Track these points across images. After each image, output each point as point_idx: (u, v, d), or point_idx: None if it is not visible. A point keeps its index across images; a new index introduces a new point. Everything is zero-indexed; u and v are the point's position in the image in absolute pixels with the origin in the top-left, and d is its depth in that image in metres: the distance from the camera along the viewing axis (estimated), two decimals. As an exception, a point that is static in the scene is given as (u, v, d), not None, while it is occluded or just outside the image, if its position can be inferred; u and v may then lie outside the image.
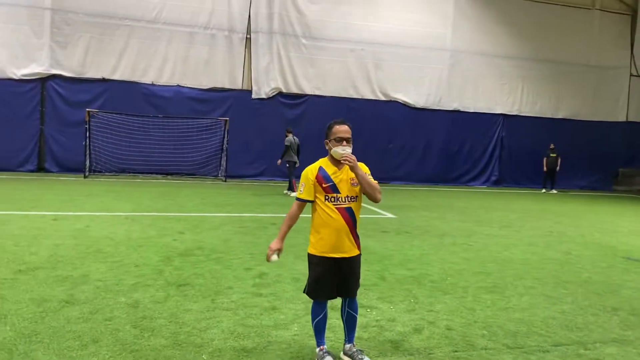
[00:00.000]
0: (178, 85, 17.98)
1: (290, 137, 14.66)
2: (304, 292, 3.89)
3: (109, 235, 7.78)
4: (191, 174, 18.10)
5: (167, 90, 17.89)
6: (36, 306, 4.59)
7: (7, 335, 3.95)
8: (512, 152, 21.77)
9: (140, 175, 17.38)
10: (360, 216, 3.82)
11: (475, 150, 21.38)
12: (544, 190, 20.60)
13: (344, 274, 3.72)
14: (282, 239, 3.80)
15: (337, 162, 3.67)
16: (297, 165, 14.58)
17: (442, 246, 8.29)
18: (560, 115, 22.21)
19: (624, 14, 22.63)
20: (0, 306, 4.55)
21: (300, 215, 3.82)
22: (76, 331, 4.09)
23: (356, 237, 3.76)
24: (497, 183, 21.64)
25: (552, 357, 4.13)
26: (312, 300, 3.86)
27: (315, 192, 3.68)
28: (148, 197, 12.40)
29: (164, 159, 17.68)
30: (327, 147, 3.74)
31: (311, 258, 3.83)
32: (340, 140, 3.62)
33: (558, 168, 20.37)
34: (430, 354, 4.08)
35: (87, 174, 16.30)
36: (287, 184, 14.85)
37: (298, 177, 15.70)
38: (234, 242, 7.71)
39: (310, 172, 3.71)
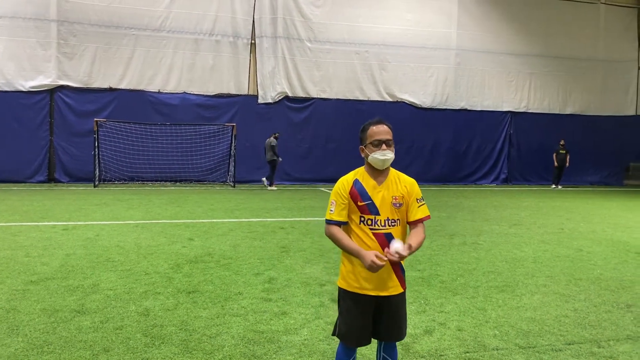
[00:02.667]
0: (184, 93, 18.06)
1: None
2: (332, 334, 3.14)
3: (119, 243, 7.83)
4: (200, 181, 18.16)
5: (173, 97, 17.98)
6: (47, 316, 4.62)
7: (19, 346, 3.98)
8: (520, 149, 21.65)
9: (149, 183, 17.48)
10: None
11: (483, 149, 21.28)
12: (554, 187, 20.47)
13: (384, 316, 2.99)
14: (359, 248, 2.86)
15: (377, 173, 2.99)
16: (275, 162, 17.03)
17: (451, 246, 8.25)
18: (568, 111, 22.05)
19: (630, 7, 22.45)
20: (12, 317, 4.58)
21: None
22: (87, 341, 4.11)
23: (400, 271, 3.01)
24: (506, 181, 21.52)
25: (565, 356, 4.09)
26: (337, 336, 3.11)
27: (349, 211, 2.97)
28: (157, 204, 12.46)
29: (173, 166, 17.77)
30: (362, 155, 3.06)
31: (342, 293, 3.06)
32: (378, 144, 2.94)
33: (567, 164, 20.26)
34: (441, 355, 4.05)
35: (96, 183, 16.41)
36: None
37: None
38: (243, 248, 7.72)
39: (342, 185, 2.99)
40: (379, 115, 15.53)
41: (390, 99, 19.94)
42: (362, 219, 2.94)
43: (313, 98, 19.20)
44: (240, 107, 18.52)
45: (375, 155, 2.93)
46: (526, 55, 21.32)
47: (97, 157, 16.59)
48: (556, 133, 21.07)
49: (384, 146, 2.93)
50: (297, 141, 19.04)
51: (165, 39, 17.76)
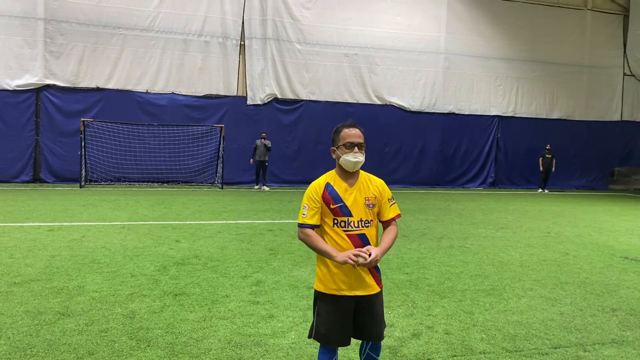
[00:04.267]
0: (173, 93, 17.95)
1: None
2: (309, 336, 3.12)
3: (105, 245, 7.74)
4: (187, 182, 18.05)
5: (161, 98, 17.87)
6: (31, 319, 4.55)
7: (2, 349, 3.91)
8: (508, 153, 21.81)
9: (136, 184, 17.34)
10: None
11: (471, 152, 21.40)
12: (540, 191, 20.65)
13: (362, 316, 3.02)
14: (331, 249, 2.92)
15: (348, 175, 3.03)
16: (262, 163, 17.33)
17: (439, 249, 8.27)
18: (555, 116, 22.26)
19: (616, 13, 22.73)
20: (-6, 320, 4.51)
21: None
22: (71, 344, 4.06)
23: (375, 271, 3.05)
24: (493, 184, 21.66)
25: (551, 359, 4.11)
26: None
27: (322, 214, 3.00)
28: (144, 205, 12.36)
29: (160, 167, 17.64)
30: (334, 156, 3.09)
31: (318, 296, 3.07)
32: (351, 147, 2.97)
33: (553, 169, 20.46)
34: (429, 359, 4.05)
35: (82, 183, 16.24)
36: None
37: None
38: (230, 250, 7.68)
39: (314, 190, 3.01)
40: (368, 118, 15.52)
41: (379, 102, 19.99)
42: (336, 221, 2.98)
43: (302, 100, 19.19)
44: (229, 108, 18.46)
45: (347, 158, 2.97)
46: (514, 60, 21.50)
47: (83, 157, 16.42)
48: (543, 137, 21.26)
49: (356, 149, 2.97)
50: (285, 143, 19.02)
51: (153, 39, 17.65)
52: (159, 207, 12.12)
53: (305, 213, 2.99)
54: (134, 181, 17.44)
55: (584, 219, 12.78)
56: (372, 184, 3.08)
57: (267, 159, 17.29)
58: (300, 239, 3.03)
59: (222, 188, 17.27)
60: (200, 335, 4.32)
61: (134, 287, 5.65)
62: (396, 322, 4.80)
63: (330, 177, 3.08)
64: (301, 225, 2.99)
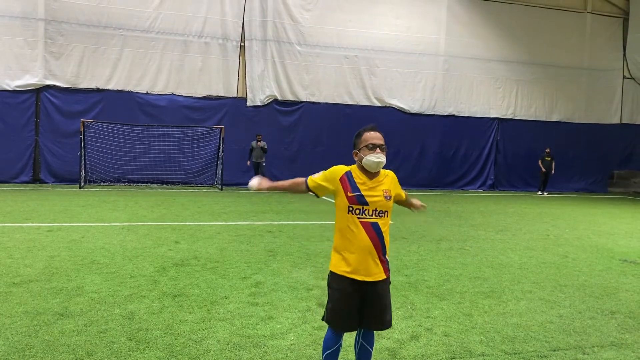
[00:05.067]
0: (173, 94, 17.95)
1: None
2: (322, 319, 3.38)
3: (105, 246, 7.74)
4: (187, 183, 18.04)
5: (161, 99, 17.87)
6: (30, 319, 4.55)
7: (0, 349, 3.91)
8: (507, 155, 21.81)
9: (136, 185, 17.33)
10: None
11: (470, 155, 21.41)
12: (539, 193, 20.66)
13: (369, 301, 3.19)
14: (272, 185, 3.48)
15: (368, 174, 3.22)
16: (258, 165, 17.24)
17: (438, 251, 8.27)
18: (554, 118, 22.27)
19: (615, 16, 22.75)
20: (-7, 320, 4.51)
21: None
22: (70, 344, 4.05)
23: (383, 260, 3.23)
24: (493, 187, 21.66)
25: (550, 362, 4.11)
26: (326, 326, 3.37)
27: (335, 193, 3.24)
28: (143, 206, 12.36)
29: (160, 168, 17.63)
30: (356, 158, 3.27)
31: (331, 278, 3.28)
32: (373, 148, 3.15)
33: (553, 171, 20.48)
34: (427, 361, 4.05)
35: (82, 184, 16.23)
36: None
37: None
38: (229, 251, 7.68)
39: (335, 171, 3.27)
40: (368, 120, 15.59)
41: (378, 104, 20.00)
42: (351, 208, 3.15)
43: (302, 102, 19.20)
44: (228, 109, 18.46)
45: (370, 158, 3.14)
46: (513, 62, 21.52)
47: (83, 158, 16.42)
48: (542, 140, 21.27)
49: (378, 150, 3.15)
50: (285, 145, 19.02)
51: (154, 40, 17.65)
52: (159, 208, 12.12)
53: (317, 175, 3.30)
54: (134, 182, 17.43)
55: (583, 221, 12.79)
56: (387, 178, 3.31)
57: (264, 160, 17.23)
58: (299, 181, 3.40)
59: (221, 189, 17.28)
60: (199, 337, 4.32)
61: (133, 288, 5.65)
62: (395, 323, 4.80)
63: (351, 167, 3.29)
64: (306, 182, 3.33)
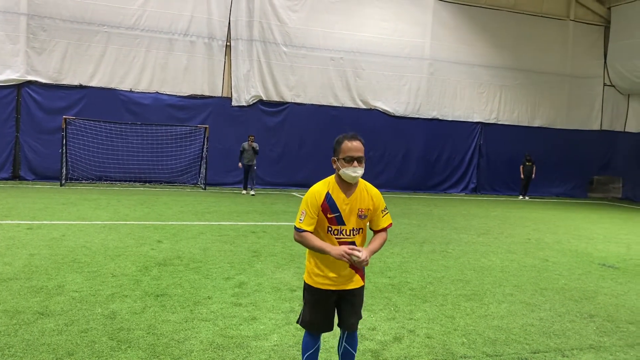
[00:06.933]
0: (157, 93, 17.80)
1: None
2: (297, 322, 3.45)
3: (86, 244, 7.65)
4: (170, 182, 17.90)
5: (145, 97, 17.70)
6: (9, 318, 4.48)
7: (-21, 349, 3.84)
8: (490, 159, 22.02)
9: (118, 183, 17.15)
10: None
11: (453, 158, 21.58)
12: (521, 197, 20.91)
13: (344, 305, 3.28)
14: (329, 246, 3.09)
15: (347, 186, 3.19)
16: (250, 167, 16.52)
17: (421, 253, 8.33)
18: (536, 124, 22.56)
19: (597, 25, 23.13)
20: (-29, 319, 4.43)
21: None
22: (51, 344, 4.00)
23: (359, 269, 3.28)
24: (475, 190, 21.85)
25: (531, 364, 4.17)
26: (303, 329, 3.46)
27: (318, 220, 3.17)
28: (126, 205, 12.23)
29: (143, 167, 17.46)
30: (334, 166, 3.22)
31: (307, 287, 3.31)
32: (350, 160, 3.10)
33: (533, 176, 20.75)
34: (410, 362, 4.08)
35: (63, 182, 16.00)
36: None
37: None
38: (213, 251, 7.64)
39: (315, 199, 3.15)
40: (353, 122, 15.53)
41: (363, 106, 20.06)
42: (330, 229, 3.18)
43: (287, 102, 19.18)
44: (213, 109, 18.36)
45: (347, 172, 3.12)
46: (497, 67, 21.75)
47: (64, 155, 16.20)
48: (524, 145, 21.52)
49: (355, 163, 3.11)
50: (270, 145, 18.97)
51: (138, 38, 17.48)
52: (141, 207, 12.01)
53: (302, 219, 3.14)
54: (116, 180, 17.25)
55: (563, 226, 12.97)
56: (369, 195, 3.28)
57: (255, 163, 16.58)
58: (296, 240, 3.20)
59: (205, 189, 17.18)
60: (182, 337, 4.30)
61: (115, 287, 5.59)
62: (378, 325, 4.82)
63: (330, 185, 3.21)
64: (298, 229, 3.16)
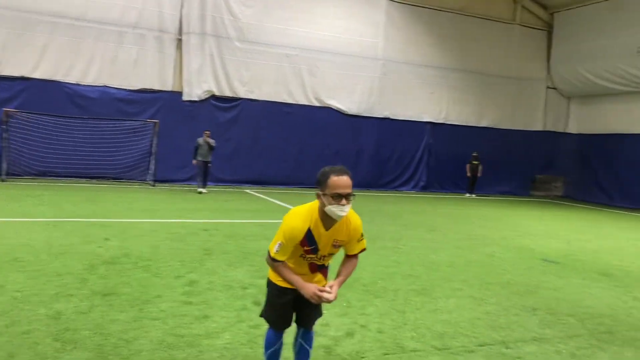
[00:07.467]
0: (105, 86, 17.24)
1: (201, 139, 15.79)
2: (260, 315, 3.45)
3: (28, 242, 7.34)
4: (117, 178, 17.38)
5: (92, 90, 17.11)
6: (-56, 320, 4.26)
7: None
8: (439, 158, 22.53)
9: (63, 179, 16.52)
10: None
11: (404, 157, 21.96)
12: (468, 195, 21.52)
13: (306, 303, 3.20)
14: (301, 282, 3.10)
15: (330, 221, 3.06)
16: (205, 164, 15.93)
17: (373, 250, 8.44)
18: (483, 124, 23.24)
19: (541, 29, 24.06)
20: None
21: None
22: (-10, 346, 3.83)
23: (324, 270, 3.37)
24: (425, 188, 22.32)
25: (477, 357, 4.31)
26: (266, 325, 3.47)
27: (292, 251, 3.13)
28: (71, 201, 11.81)
29: (89, 162, 16.87)
30: (318, 200, 3.05)
31: (270, 283, 3.33)
32: (338, 198, 2.93)
33: (479, 174, 21.41)
34: (362, 357, 4.14)
35: (3, 177, 15.29)
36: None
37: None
38: (163, 249, 7.49)
39: (294, 234, 3.02)
40: (307, 119, 15.52)
41: (317, 104, 20.11)
42: (303, 255, 3.15)
43: (240, 98, 18.99)
44: (163, 103, 17.95)
45: (334, 210, 2.96)
46: (446, 68, 22.25)
47: (5, 149, 15.47)
48: (472, 144, 22.13)
49: (343, 200, 2.95)
50: (222, 141, 18.67)
51: (85, 29, 16.86)
52: (87, 204, 11.63)
53: (278, 250, 3.04)
54: (61, 176, 16.59)
55: (507, 222, 13.44)
56: (347, 228, 3.20)
57: (210, 159, 16.00)
58: (268, 264, 3.20)
59: (154, 185, 16.80)
60: (131, 336, 4.20)
61: (60, 286, 5.40)
62: (331, 321, 4.86)
63: (312, 220, 3.06)
64: (273, 259, 3.09)
